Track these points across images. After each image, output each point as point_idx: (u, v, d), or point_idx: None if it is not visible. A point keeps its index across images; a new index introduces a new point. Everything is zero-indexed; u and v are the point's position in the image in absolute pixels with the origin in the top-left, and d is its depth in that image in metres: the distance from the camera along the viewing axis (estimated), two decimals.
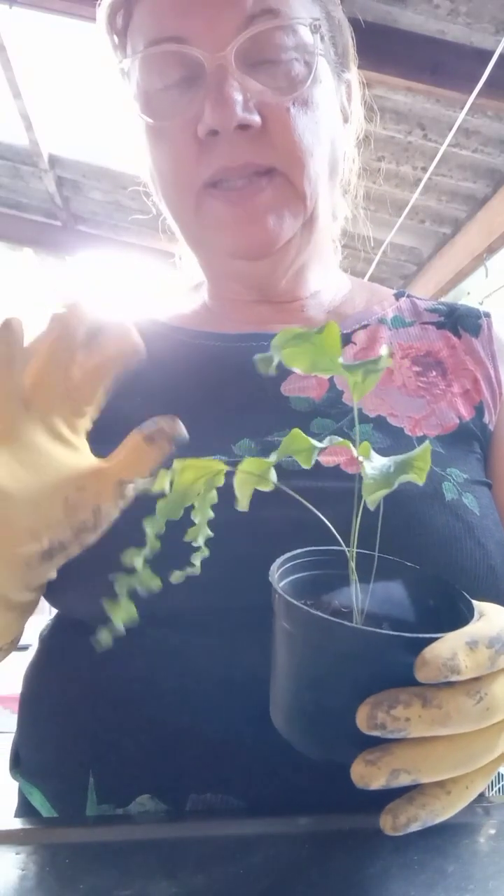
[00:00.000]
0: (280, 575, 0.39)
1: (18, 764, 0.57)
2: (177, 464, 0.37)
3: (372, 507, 0.34)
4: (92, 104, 2.92)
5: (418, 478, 0.36)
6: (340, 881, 0.37)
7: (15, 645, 0.53)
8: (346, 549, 0.38)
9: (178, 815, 0.49)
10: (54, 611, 0.61)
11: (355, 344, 0.65)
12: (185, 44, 0.56)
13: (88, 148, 3.37)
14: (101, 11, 0.63)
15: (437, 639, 0.33)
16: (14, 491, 0.40)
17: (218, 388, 0.61)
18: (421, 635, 0.33)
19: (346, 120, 0.67)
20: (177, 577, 0.38)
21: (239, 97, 0.55)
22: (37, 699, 0.56)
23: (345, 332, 0.66)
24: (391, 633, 0.34)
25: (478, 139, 2.53)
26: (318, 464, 0.53)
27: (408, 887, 0.36)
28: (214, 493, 0.38)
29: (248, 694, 0.48)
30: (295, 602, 0.35)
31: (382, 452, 0.53)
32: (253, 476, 0.37)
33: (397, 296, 0.73)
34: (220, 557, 0.41)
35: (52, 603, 0.57)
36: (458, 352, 0.67)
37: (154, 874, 0.38)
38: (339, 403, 0.60)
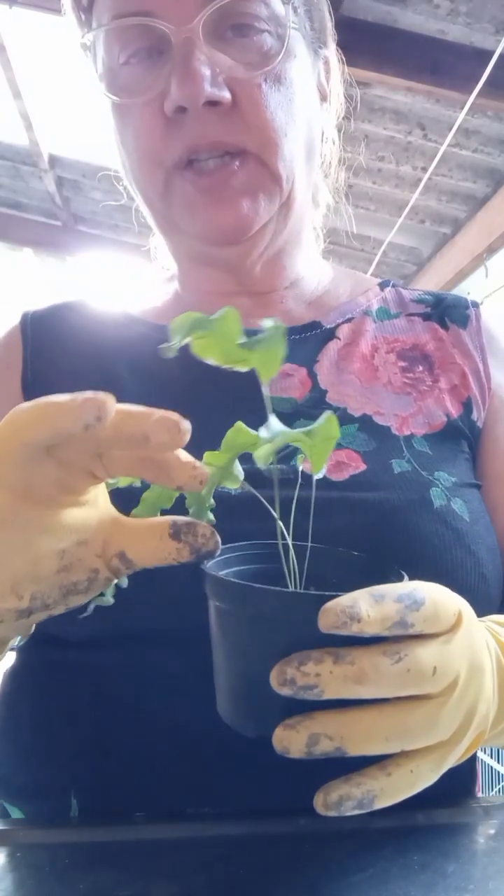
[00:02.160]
0: (217, 565, 0.39)
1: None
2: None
3: (260, 464, 0.34)
4: (92, 104, 2.91)
5: (309, 457, 0.37)
6: (340, 881, 0.37)
7: None
8: (283, 535, 0.38)
9: (178, 815, 0.49)
10: None
11: (339, 339, 0.63)
12: (150, 17, 0.53)
13: (88, 148, 3.37)
14: None
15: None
16: None
17: (197, 388, 0.58)
18: (328, 593, 0.32)
19: (324, 98, 0.64)
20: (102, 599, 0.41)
21: (206, 72, 0.52)
22: (14, 716, 0.55)
23: (328, 326, 0.64)
24: (300, 591, 0.35)
25: (478, 139, 2.53)
26: (300, 472, 0.51)
27: (408, 887, 0.36)
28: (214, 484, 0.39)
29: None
30: (213, 573, 0.36)
31: (368, 455, 0.55)
32: (218, 470, 0.38)
33: (382, 285, 0.70)
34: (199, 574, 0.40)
35: None
36: (445, 344, 0.64)
37: (154, 874, 0.38)
38: (323, 403, 0.58)
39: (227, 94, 0.53)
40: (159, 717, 0.49)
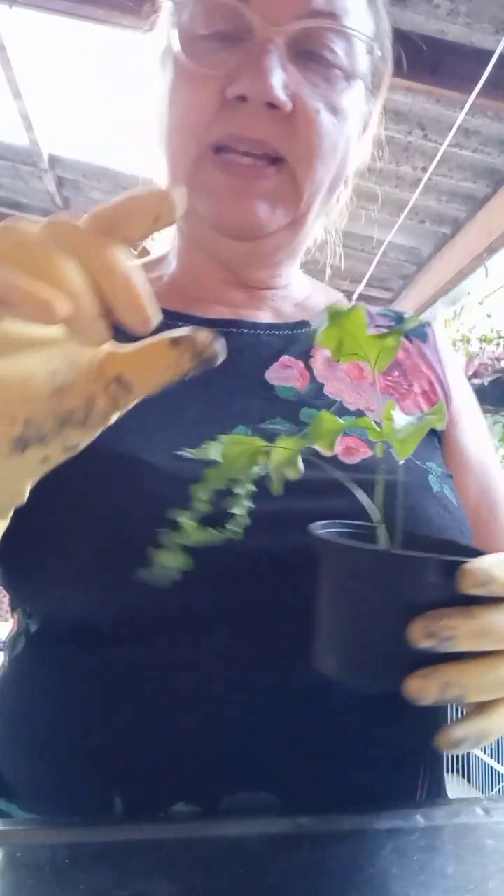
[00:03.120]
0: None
1: (5, 793, 0.54)
2: (225, 438, 0.40)
3: (325, 450, 0.38)
4: (92, 104, 2.91)
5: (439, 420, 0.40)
6: (340, 881, 0.37)
7: None
8: (377, 523, 0.42)
9: (178, 815, 0.49)
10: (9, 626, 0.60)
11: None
12: (247, 3, 0.55)
13: (88, 148, 3.37)
14: None
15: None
16: None
17: (203, 374, 0.59)
18: (457, 558, 0.36)
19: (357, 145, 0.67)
20: (229, 533, 0.41)
21: (280, 75, 0.54)
22: (28, 724, 0.54)
23: (316, 326, 0.67)
24: (433, 555, 0.37)
25: (478, 139, 2.53)
26: (317, 455, 0.53)
27: (408, 887, 0.36)
28: (257, 468, 0.41)
29: (265, 687, 0.49)
30: (345, 542, 0.39)
31: (372, 444, 0.58)
32: (289, 456, 0.41)
33: (348, 298, 0.75)
34: (228, 553, 0.41)
35: (34, 604, 0.55)
36: (412, 355, 0.69)
37: (154, 874, 0.38)
38: (322, 395, 0.61)
39: (289, 103, 0.55)
40: (193, 706, 0.49)
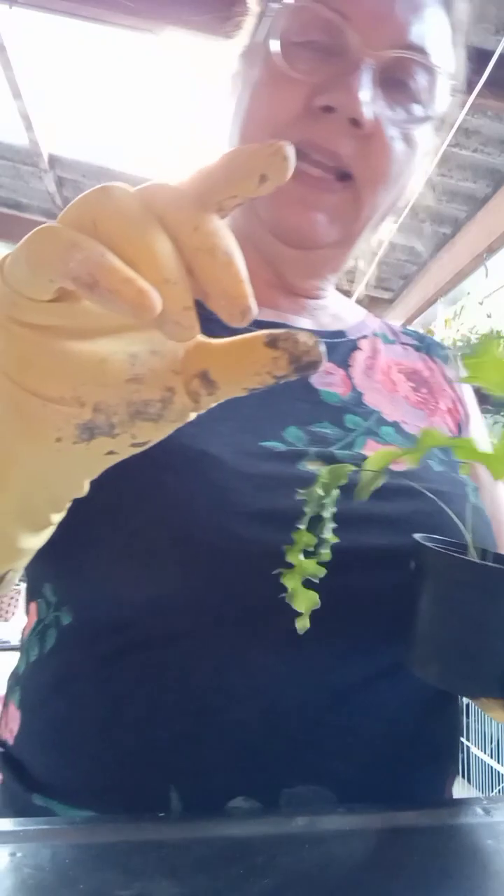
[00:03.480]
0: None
1: (45, 790, 0.53)
2: (319, 467, 0.43)
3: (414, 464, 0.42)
4: (92, 104, 2.91)
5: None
6: (340, 881, 0.37)
7: (12, 581, 0.45)
8: (465, 536, 0.46)
9: (178, 815, 0.49)
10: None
11: (361, 350, 0.69)
12: (347, 21, 0.56)
13: (88, 148, 3.37)
14: None
15: None
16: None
17: None
18: None
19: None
20: (324, 556, 0.42)
21: (368, 96, 0.55)
22: (77, 721, 0.53)
23: (352, 337, 0.69)
24: None
25: (478, 139, 2.53)
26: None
27: (408, 888, 0.36)
28: (338, 491, 0.43)
29: (320, 681, 0.51)
30: (466, 557, 0.43)
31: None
32: (381, 468, 0.44)
33: (347, 298, 0.78)
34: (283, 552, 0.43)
35: (79, 593, 0.54)
36: (436, 374, 0.72)
37: (154, 874, 0.38)
38: (362, 404, 0.63)
39: (371, 124, 0.57)
40: (249, 700, 0.50)
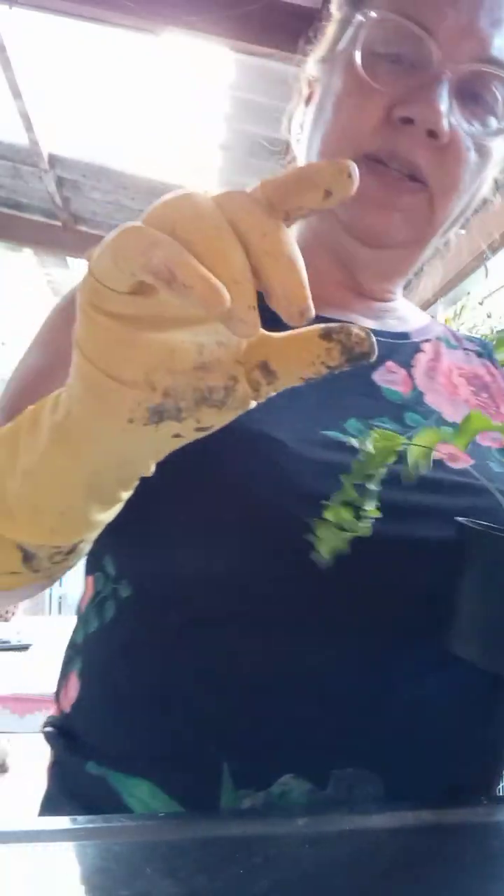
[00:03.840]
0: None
1: (101, 757, 0.55)
2: (373, 433, 0.44)
3: None
4: (92, 104, 2.91)
5: None
6: (340, 881, 0.37)
7: (83, 551, 0.47)
8: None
9: (178, 815, 0.49)
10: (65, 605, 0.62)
11: (424, 352, 0.70)
12: (431, 34, 0.58)
13: (88, 148, 3.37)
14: None
15: None
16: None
17: None
18: None
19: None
20: (363, 529, 0.43)
21: (447, 110, 0.58)
22: (134, 688, 0.55)
23: (415, 340, 0.71)
24: None
25: None
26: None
27: (408, 888, 0.36)
28: (384, 468, 0.44)
29: (371, 669, 0.53)
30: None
31: (470, 453, 0.62)
32: (427, 451, 0.45)
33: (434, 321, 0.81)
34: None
35: (140, 566, 0.56)
36: (497, 380, 0.73)
37: (154, 874, 0.38)
38: (423, 403, 0.65)
39: (448, 136, 0.59)
40: (301, 682, 0.52)
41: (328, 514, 0.42)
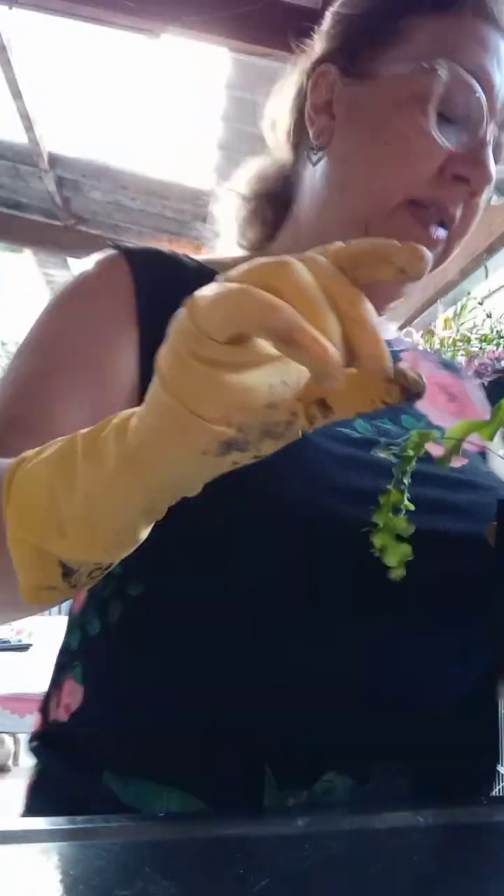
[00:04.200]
0: None
1: (114, 766, 0.54)
2: (390, 454, 0.48)
3: None
4: (92, 104, 2.92)
5: None
6: (340, 881, 0.37)
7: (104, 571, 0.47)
8: None
9: (178, 815, 0.49)
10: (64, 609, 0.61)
11: (405, 361, 0.74)
12: (485, 95, 0.60)
13: (88, 148, 3.37)
14: None
15: None
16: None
17: None
18: None
19: None
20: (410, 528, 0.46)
21: (494, 172, 0.62)
22: (154, 690, 0.54)
23: (396, 349, 0.74)
24: None
25: None
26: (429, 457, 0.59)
27: (408, 888, 0.36)
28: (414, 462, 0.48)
29: (397, 661, 0.54)
30: None
31: (462, 453, 0.64)
32: (456, 442, 0.49)
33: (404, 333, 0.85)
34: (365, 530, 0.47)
35: (149, 568, 0.55)
36: (462, 388, 0.77)
37: (154, 874, 0.38)
38: (413, 407, 0.68)
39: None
40: (333, 676, 0.53)
41: (379, 519, 0.45)
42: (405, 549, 0.45)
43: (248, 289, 0.32)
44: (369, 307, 0.34)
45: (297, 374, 0.37)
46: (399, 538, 0.45)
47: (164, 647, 0.55)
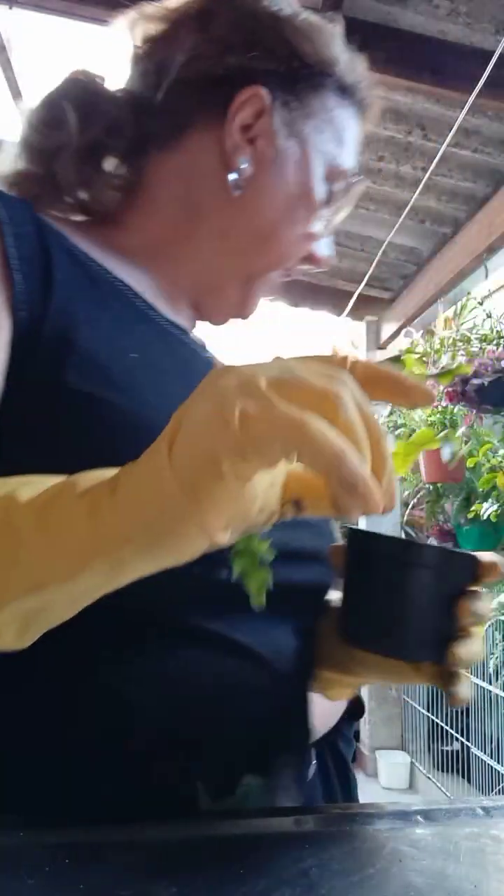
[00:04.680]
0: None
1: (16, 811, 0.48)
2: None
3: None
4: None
5: None
6: (340, 881, 0.37)
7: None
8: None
9: (177, 815, 0.49)
10: None
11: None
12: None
13: None
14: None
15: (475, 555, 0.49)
16: None
17: (182, 371, 0.60)
18: (472, 552, 0.49)
19: None
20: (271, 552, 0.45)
21: None
22: (82, 726, 0.49)
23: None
24: (461, 550, 0.50)
25: (478, 139, 2.53)
26: None
27: (408, 888, 0.36)
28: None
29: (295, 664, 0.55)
30: (399, 538, 0.52)
31: None
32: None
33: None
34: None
35: None
36: None
37: (154, 874, 0.38)
38: None
39: None
40: (175, 694, 0.51)
41: (239, 562, 0.42)
42: (264, 576, 0.42)
43: (309, 423, 0.32)
44: (387, 444, 0.36)
45: (281, 474, 0.39)
46: (260, 563, 0.43)
47: (82, 682, 0.50)
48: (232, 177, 0.62)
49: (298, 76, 0.63)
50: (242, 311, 0.69)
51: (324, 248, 0.68)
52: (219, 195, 0.63)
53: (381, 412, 3.14)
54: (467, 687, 0.51)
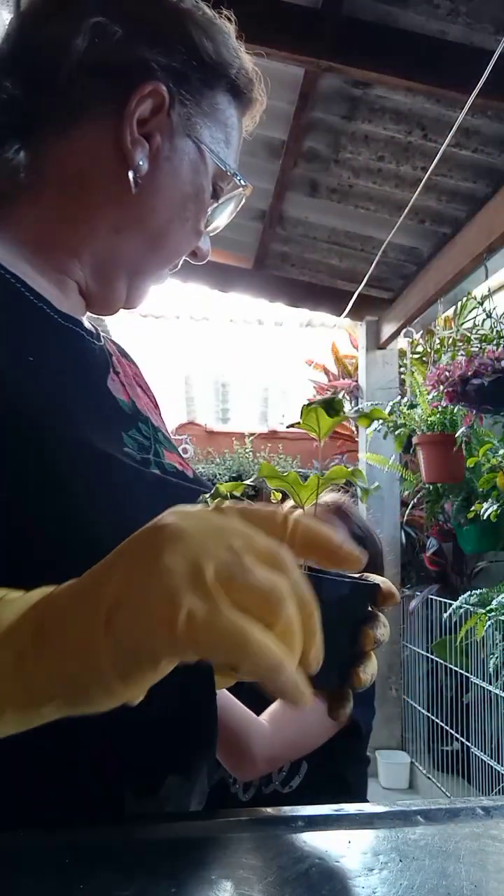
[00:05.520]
0: None
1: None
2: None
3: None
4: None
5: None
6: (340, 881, 0.37)
7: None
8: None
9: (177, 815, 0.49)
10: None
11: (113, 355, 0.70)
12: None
13: None
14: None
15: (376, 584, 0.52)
16: None
17: (76, 371, 0.61)
18: (369, 581, 0.52)
19: None
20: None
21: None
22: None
23: (100, 343, 0.69)
24: (361, 580, 0.52)
25: (478, 139, 2.53)
26: (175, 469, 0.64)
27: (408, 887, 0.36)
28: None
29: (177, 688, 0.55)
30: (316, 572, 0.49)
31: (187, 462, 0.69)
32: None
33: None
34: None
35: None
36: (134, 371, 0.77)
37: (154, 874, 0.38)
38: (139, 411, 0.66)
39: None
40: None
41: None
42: None
43: (251, 637, 0.34)
44: (318, 622, 0.38)
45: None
46: None
47: None
48: (131, 174, 0.60)
49: (196, 74, 0.61)
50: (130, 303, 0.68)
51: (205, 242, 0.70)
52: (113, 189, 0.61)
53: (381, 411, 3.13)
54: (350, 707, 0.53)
